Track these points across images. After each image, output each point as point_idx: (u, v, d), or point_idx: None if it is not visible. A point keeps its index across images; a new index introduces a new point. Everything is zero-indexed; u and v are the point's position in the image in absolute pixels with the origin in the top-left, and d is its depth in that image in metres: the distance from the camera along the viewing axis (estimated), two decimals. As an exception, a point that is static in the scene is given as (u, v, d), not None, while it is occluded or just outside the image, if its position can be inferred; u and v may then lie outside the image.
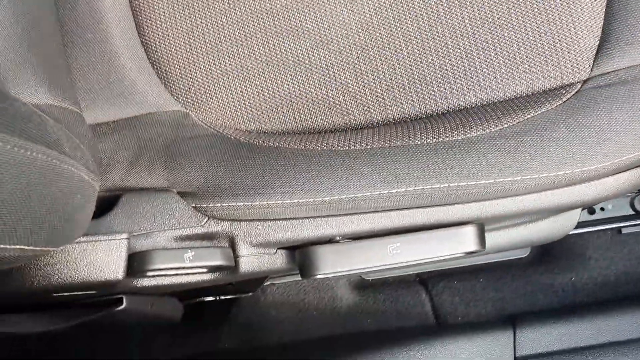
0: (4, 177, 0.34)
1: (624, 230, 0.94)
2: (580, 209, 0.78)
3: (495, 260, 0.95)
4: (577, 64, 0.60)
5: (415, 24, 0.62)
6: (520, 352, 0.81)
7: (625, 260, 0.93)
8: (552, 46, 0.61)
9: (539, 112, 0.58)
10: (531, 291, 0.92)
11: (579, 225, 0.94)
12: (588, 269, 0.94)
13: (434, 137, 0.57)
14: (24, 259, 0.41)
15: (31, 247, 0.39)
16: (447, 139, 0.57)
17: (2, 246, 0.36)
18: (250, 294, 0.88)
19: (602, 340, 0.82)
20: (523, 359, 0.81)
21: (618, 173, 0.57)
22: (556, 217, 0.74)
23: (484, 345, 0.82)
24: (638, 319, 0.83)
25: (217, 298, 0.87)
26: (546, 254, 0.96)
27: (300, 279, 0.94)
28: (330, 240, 0.61)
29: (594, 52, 0.60)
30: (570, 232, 0.93)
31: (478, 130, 0.57)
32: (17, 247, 0.37)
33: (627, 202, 0.95)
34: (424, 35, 0.62)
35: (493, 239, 0.75)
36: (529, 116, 0.57)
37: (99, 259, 0.53)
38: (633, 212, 0.95)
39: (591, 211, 0.95)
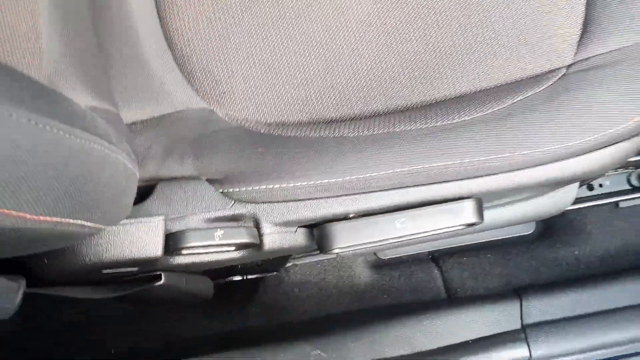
0: (72, 162, 0.41)
1: (622, 205, 1.00)
2: (577, 185, 0.84)
3: (501, 237, 1.01)
4: (562, 51, 0.66)
5: (414, 23, 0.69)
6: (527, 320, 0.87)
7: (623, 232, 0.99)
8: (538, 36, 0.67)
9: (527, 95, 0.64)
10: (536, 265, 0.98)
11: (580, 201, 1.00)
12: (589, 242, 0.99)
13: (432, 122, 0.64)
14: (81, 235, 0.49)
15: (89, 223, 0.46)
16: (444, 122, 0.63)
17: (67, 220, 0.43)
18: (274, 273, 0.95)
19: (604, 308, 0.87)
20: (530, 326, 0.87)
21: (602, 148, 0.63)
22: (554, 192, 0.80)
23: (492, 316, 0.88)
24: (636, 288, 0.89)
25: (245, 277, 0.94)
26: (549, 230, 1.02)
27: (321, 259, 1.02)
28: (344, 218, 0.67)
29: (577, 39, 0.66)
30: (572, 208, 0.99)
31: (471, 114, 0.63)
32: (79, 222, 0.45)
33: (624, 178, 1.01)
34: (420, 33, 0.68)
35: (496, 215, 0.81)
36: (517, 99, 0.64)
37: (141, 238, 0.60)
38: (629, 187, 1.01)
39: (590, 187, 1.01)
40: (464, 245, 1.01)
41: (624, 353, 0.86)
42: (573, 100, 0.62)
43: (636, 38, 0.64)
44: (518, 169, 0.64)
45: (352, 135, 0.65)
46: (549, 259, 0.98)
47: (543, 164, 0.63)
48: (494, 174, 0.64)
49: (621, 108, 0.61)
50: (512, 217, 0.82)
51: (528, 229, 1.02)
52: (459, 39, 0.68)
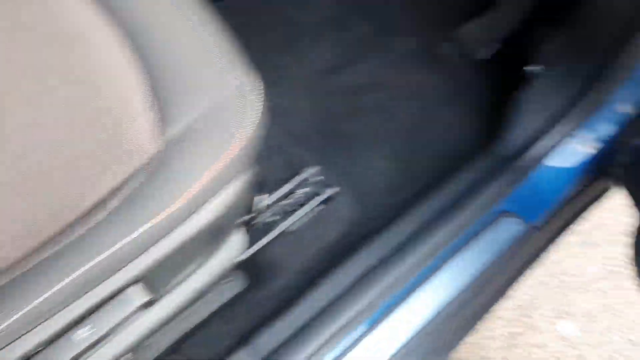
0: None
1: (288, 230, 1.23)
2: (242, 233, 1.01)
3: (225, 301, 1.17)
4: (148, 144, 0.77)
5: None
6: (260, 355, 1.02)
7: (302, 251, 1.21)
8: (125, 141, 0.75)
9: (134, 186, 0.75)
10: (256, 309, 1.14)
11: (257, 243, 1.20)
12: (276, 273, 1.20)
13: (70, 238, 0.72)
14: None
15: None
16: (80, 232, 0.72)
17: None
18: None
19: (312, 314, 1.06)
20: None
21: (194, 213, 0.78)
22: (223, 247, 0.96)
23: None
24: (328, 291, 1.09)
25: None
26: (255, 277, 1.20)
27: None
28: (42, 349, 0.74)
29: (157, 131, 0.78)
30: (256, 251, 1.18)
31: (91, 223, 0.73)
32: None
33: (279, 209, 1.25)
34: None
35: (190, 286, 0.95)
36: (129, 193, 0.74)
37: None
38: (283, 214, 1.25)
39: (266, 232, 1.22)
40: (198, 324, 1.14)
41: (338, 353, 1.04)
42: (167, 174, 0.76)
43: (204, 104, 0.78)
44: (150, 246, 0.76)
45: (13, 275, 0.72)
46: (263, 299, 1.16)
47: (174, 228, 0.77)
48: (137, 255, 0.76)
49: (205, 168, 0.77)
50: (206, 280, 0.96)
51: (243, 285, 1.19)
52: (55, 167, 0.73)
